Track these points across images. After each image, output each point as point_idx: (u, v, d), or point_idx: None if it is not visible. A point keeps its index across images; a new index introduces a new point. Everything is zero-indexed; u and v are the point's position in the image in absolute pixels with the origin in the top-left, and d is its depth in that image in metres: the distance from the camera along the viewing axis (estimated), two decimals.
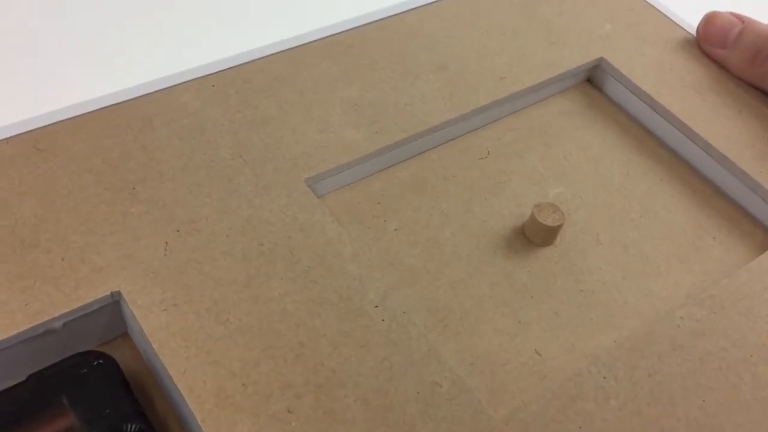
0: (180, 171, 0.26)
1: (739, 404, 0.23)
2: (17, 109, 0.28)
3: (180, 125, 0.28)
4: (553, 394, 0.22)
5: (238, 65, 0.30)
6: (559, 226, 0.27)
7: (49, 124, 0.27)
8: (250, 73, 0.30)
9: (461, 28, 0.34)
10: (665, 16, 0.36)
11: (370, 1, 0.34)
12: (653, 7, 0.37)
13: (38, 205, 0.25)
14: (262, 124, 0.28)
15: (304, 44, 0.32)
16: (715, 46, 0.34)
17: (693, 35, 0.35)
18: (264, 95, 0.30)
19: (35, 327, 0.22)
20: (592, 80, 0.35)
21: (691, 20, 0.36)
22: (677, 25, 0.36)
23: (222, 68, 0.30)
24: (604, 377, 0.23)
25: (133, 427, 0.21)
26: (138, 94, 0.29)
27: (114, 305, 0.23)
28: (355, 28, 0.33)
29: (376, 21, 0.33)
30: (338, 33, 0.33)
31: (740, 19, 0.34)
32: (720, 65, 0.34)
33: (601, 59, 0.34)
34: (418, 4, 0.35)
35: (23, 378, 0.21)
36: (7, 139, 0.26)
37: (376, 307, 0.24)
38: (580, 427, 0.22)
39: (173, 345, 0.22)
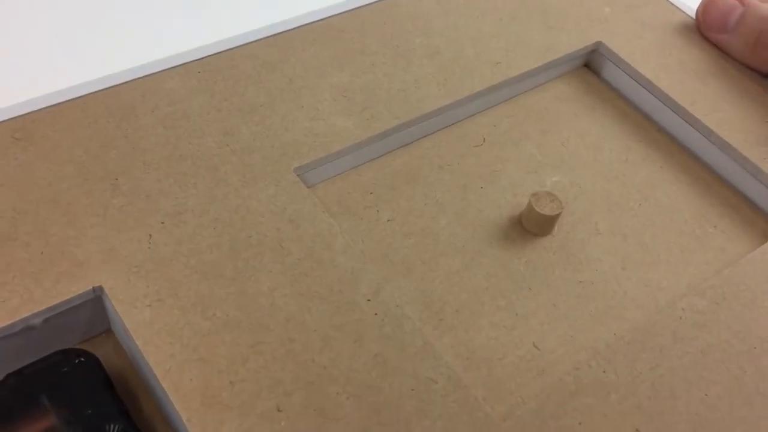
0: (164, 160, 0.25)
1: (741, 397, 0.22)
2: None
3: (164, 113, 0.27)
4: (552, 389, 0.22)
5: (225, 51, 0.29)
6: (557, 215, 0.26)
7: (28, 113, 0.26)
8: (237, 59, 0.29)
9: (456, 11, 0.33)
10: None
11: None
12: None
13: (16, 197, 0.24)
14: (250, 111, 0.28)
15: (293, 29, 0.31)
16: (715, 31, 0.33)
17: (693, 18, 0.35)
18: (252, 82, 0.29)
19: (14, 324, 0.21)
20: (590, 65, 0.34)
21: (690, 3, 0.35)
22: (677, 7, 0.35)
23: (208, 54, 0.29)
24: (604, 371, 0.22)
25: (116, 427, 0.20)
26: (120, 81, 0.28)
27: (96, 301, 0.22)
28: (346, 11, 0.32)
29: (368, 4, 0.32)
30: (328, 17, 0.32)
31: (741, 1, 0.33)
32: (721, 50, 0.33)
33: (599, 43, 0.33)
34: None
35: (1, 377, 0.20)
36: None
37: (369, 300, 0.23)
38: (580, 423, 0.21)
39: (157, 341, 0.21)
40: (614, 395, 0.22)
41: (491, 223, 0.27)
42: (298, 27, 0.31)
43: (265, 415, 0.20)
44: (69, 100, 0.27)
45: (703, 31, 0.33)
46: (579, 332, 0.24)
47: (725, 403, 0.22)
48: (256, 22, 0.31)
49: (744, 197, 0.29)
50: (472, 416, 0.21)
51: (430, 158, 0.29)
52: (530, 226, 0.27)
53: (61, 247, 0.23)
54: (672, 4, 0.35)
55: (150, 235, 0.23)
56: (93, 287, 0.22)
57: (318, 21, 0.31)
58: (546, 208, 0.26)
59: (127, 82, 0.28)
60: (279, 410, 0.20)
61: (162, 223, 0.24)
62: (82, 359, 0.21)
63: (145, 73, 0.28)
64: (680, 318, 0.24)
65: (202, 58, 0.29)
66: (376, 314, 0.22)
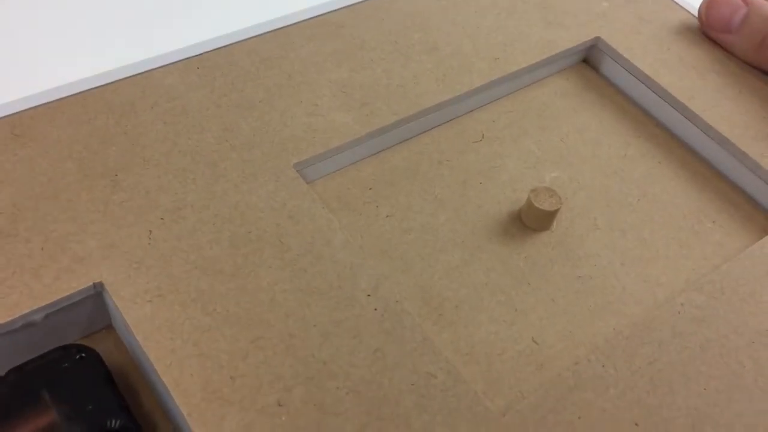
0: (164, 157, 0.25)
1: (740, 392, 0.22)
2: None
3: (164, 109, 0.27)
4: (551, 384, 0.22)
5: (224, 47, 0.29)
6: (556, 211, 0.26)
7: (27, 109, 0.26)
8: (236, 55, 0.29)
9: (454, 7, 0.33)
10: None
11: None
12: None
13: (16, 193, 0.24)
14: (249, 107, 0.28)
15: (291, 24, 0.31)
16: (718, 31, 0.32)
17: (692, 13, 0.35)
18: (251, 78, 0.29)
19: (14, 320, 0.21)
20: (589, 60, 0.34)
21: None
22: (675, 3, 0.35)
23: (207, 50, 0.29)
24: (603, 366, 0.22)
25: (117, 422, 0.20)
26: (119, 77, 0.28)
27: (96, 296, 0.22)
28: (344, 7, 0.32)
29: (366, 0, 0.32)
30: (327, 12, 0.32)
31: (744, 1, 0.32)
32: (725, 50, 0.33)
33: (598, 39, 0.33)
34: None
35: (2, 373, 0.21)
36: None
37: (369, 295, 0.23)
38: (579, 418, 0.21)
39: (158, 337, 0.21)
40: (613, 390, 0.22)
41: (490, 219, 0.27)
42: (297, 23, 0.31)
43: (265, 409, 0.20)
44: (68, 97, 0.27)
45: (706, 30, 0.33)
46: (578, 327, 0.24)
47: (724, 398, 0.22)
48: (255, 17, 0.31)
49: (743, 192, 0.30)
50: (472, 411, 0.21)
51: (429, 154, 0.29)
52: (529, 221, 0.27)
53: (62, 243, 0.23)
54: None
55: (150, 231, 0.23)
56: (93, 283, 0.22)
57: (317, 17, 0.31)
58: (545, 204, 0.26)
59: (126, 78, 0.28)
60: (279, 405, 0.20)
61: (162, 219, 0.24)
62: (83, 355, 0.21)
63: (145, 69, 0.28)
64: (679, 313, 0.24)
65: (201, 54, 0.29)
66: (375, 310, 0.23)
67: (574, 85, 0.33)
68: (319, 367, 0.21)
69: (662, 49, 0.33)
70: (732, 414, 0.22)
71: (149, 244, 0.23)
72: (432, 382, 0.21)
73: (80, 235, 0.23)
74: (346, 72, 0.29)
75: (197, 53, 0.29)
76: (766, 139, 0.29)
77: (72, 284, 0.22)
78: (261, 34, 0.30)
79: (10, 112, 0.26)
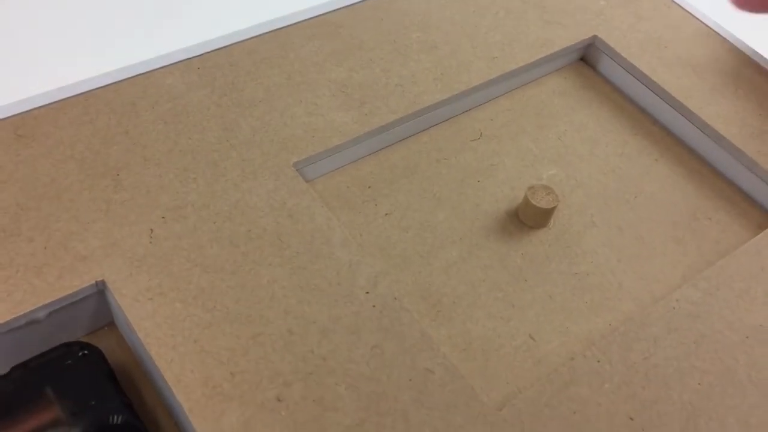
0: (165, 156, 0.26)
1: (734, 386, 0.23)
2: None
3: (164, 109, 0.27)
4: (548, 379, 0.22)
5: (224, 47, 0.30)
6: (553, 209, 0.27)
7: (30, 110, 0.26)
8: (236, 55, 0.30)
9: (452, 6, 0.33)
10: None
11: None
12: None
13: (19, 192, 0.24)
14: (249, 107, 0.28)
15: (291, 25, 0.31)
16: (758, 6, 0.25)
17: (690, 12, 0.35)
18: (251, 78, 0.29)
19: (18, 318, 0.21)
20: (587, 59, 0.34)
21: None
22: (673, 1, 0.35)
23: (207, 50, 0.30)
24: (599, 361, 0.23)
25: (119, 418, 0.20)
26: (121, 78, 0.28)
27: (99, 294, 0.23)
28: (344, 7, 0.32)
29: (365, 0, 0.33)
30: (327, 13, 0.32)
31: None
32: None
33: (595, 37, 0.33)
34: None
35: (6, 370, 0.21)
36: None
37: (367, 293, 0.23)
38: (574, 412, 0.21)
39: (159, 334, 0.21)
40: (608, 385, 0.22)
41: (488, 217, 0.27)
42: (297, 23, 0.31)
43: (265, 405, 0.20)
44: (70, 97, 0.27)
45: (740, 7, 0.26)
46: (574, 323, 0.25)
47: (718, 392, 0.22)
48: (255, 18, 0.31)
49: (738, 189, 0.30)
50: (469, 405, 0.21)
51: (427, 152, 0.29)
52: (527, 219, 0.27)
53: (64, 242, 0.23)
54: None
55: (151, 230, 0.24)
56: (96, 281, 0.22)
57: (316, 17, 0.32)
58: (542, 201, 0.26)
59: (127, 78, 0.28)
60: (279, 400, 0.21)
61: (163, 217, 0.24)
62: (86, 352, 0.21)
63: (145, 70, 0.28)
64: (674, 309, 0.24)
65: (202, 54, 0.29)
66: (374, 306, 0.23)
67: (572, 84, 0.33)
68: (318, 363, 0.21)
69: (659, 47, 0.33)
70: (726, 408, 0.22)
71: (150, 242, 0.23)
72: (429, 377, 0.22)
73: (82, 234, 0.23)
74: (346, 71, 0.30)
75: (198, 53, 0.29)
76: (762, 136, 0.30)
77: (74, 282, 0.22)
78: (261, 35, 0.30)
79: (13, 113, 0.26)
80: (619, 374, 0.22)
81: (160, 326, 0.22)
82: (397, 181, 0.28)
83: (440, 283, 0.25)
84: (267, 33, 0.31)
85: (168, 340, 0.21)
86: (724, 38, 0.34)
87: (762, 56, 0.33)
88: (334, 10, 0.32)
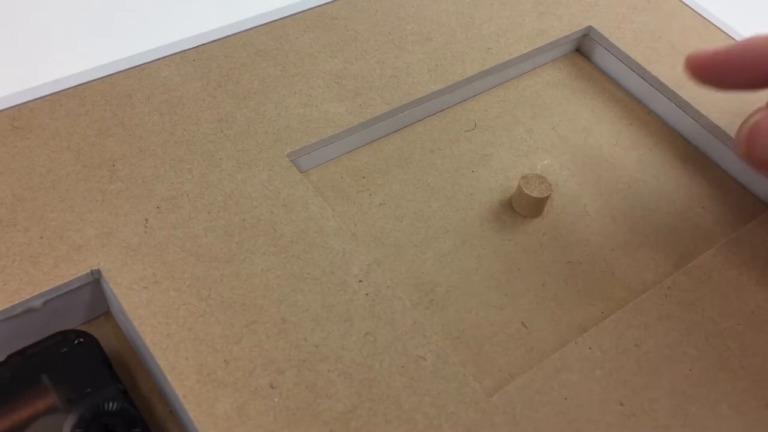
0: (160, 147, 0.26)
1: (726, 373, 0.23)
2: None
3: (160, 101, 0.27)
4: (539, 366, 0.22)
5: (219, 39, 0.30)
6: (547, 197, 0.27)
7: (26, 102, 0.27)
8: (231, 47, 0.30)
9: None
10: None
11: None
12: None
13: (16, 183, 0.24)
14: (244, 98, 0.28)
15: (286, 17, 0.31)
16: None
17: (684, 2, 0.35)
18: (246, 69, 0.29)
19: (14, 306, 0.22)
20: (581, 49, 0.34)
21: None
22: None
23: (202, 42, 0.30)
24: (590, 348, 0.23)
25: (115, 405, 0.20)
26: (116, 70, 0.28)
27: (94, 283, 0.23)
28: None
29: None
30: (321, 5, 0.32)
31: None
32: None
33: (590, 28, 0.33)
34: None
35: (3, 357, 0.21)
36: None
37: (360, 281, 0.23)
38: (565, 398, 0.22)
39: (154, 322, 0.22)
40: (599, 371, 0.22)
41: (482, 206, 0.28)
42: (292, 15, 0.31)
43: (258, 391, 0.21)
44: (66, 89, 0.27)
45: (752, 165, 0.23)
46: (567, 311, 0.25)
47: (709, 379, 0.23)
48: (250, 10, 0.31)
49: (732, 179, 0.30)
50: (460, 392, 0.21)
51: (421, 143, 0.29)
52: (520, 208, 0.27)
53: (60, 231, 0.23)
54: None
55: (146, 220, 0.24)
56: (91, 270, 0.22)
57: (311, 9, 0.32)
58: (535, 191, 0.27)
59: (123, 70, 0.28)
60: (272, 387, 0.21)
61: (158, 207, 0.24)
62: (81, 340, 0.22)
63: (141, 62, 0.29)
64: (666, 296, 0.24)
65: (197, 46, 0.30)
66: (366, 295, 0.23)
67: (567, 75, 0.33)
68: (311, 350, 0.22)
69: (654, 37, 0.33)
70: (717, 395, 0.22)
71: (145, 232, 0.24)
72: (421, 364, 0.22)
73: (78, 224, 0.23)
74: (340, 63, 0.30)
75: (193, 46, 0.29)
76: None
77: (70, 271, 0.22)
78: (256, 27, 0.31)
79: (10, 105, 0.26)
80: (610, 361, 0.23)
81: (155, 314, 0.22)
82: (392, 172, 0.28)
83: (434, 272, 0.25)
84: (262, 25, 0.31)
85: (162, 328, 0.22)
86: (719, 28, 0.34)
87: None
88: (329, 2, 0.32)
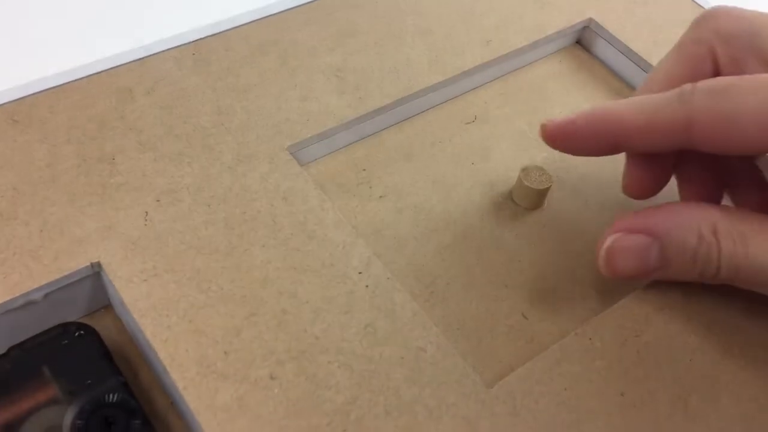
0: (160, 140, 0.26)
1: (726, 362, 0.23)
2: None
3: (160, 94, 0.27)
4: (539, 357, 0.22)
5: (219, 32, 0.30)
6: (547, 189, 0.27)
7: (26, 96, 0.27)
8: (231, 40, 0.30)
9: None
10: None
11: None
12: None
13: (16, 177, 0.24)
14: (244, 91, 0.28)
15: (286, 10, 0.31)
16: (636, 278, 0.23)
17: None
18: (246, 63, 0.29)
19: (15, 299, 0.22)
20: (582, 42, 0.34)
21: None
22: None
23: (203, 36, 0.30)
24: (590, 339, 0.23)
25: (115, 397, 0.21)
26: (116, 64, 0.28)
27: (95, 276, 0.23)
28: None
29: None
30: None
31: (649, 232, 0.22)
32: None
33: (591, 20, 0.33)
34: None
35: (4, 350, 0.21)
36: None
37: (360, 273, 0.23)
38: (565, 389, 0.22)
39: (154, 315, 0.22)
40: (599, 362, 0.22)
41: (482, 198, 0.28)
42: (292, 8, 0.31)
43: (258, 383, 0.21)
44: (66, 83, 0.27)
45: (619, 280, 0.25)
46: (567, 303, 0.25)
47: (710, 369, 0.22)
48: (250, 3, 0.31)
49: None
50: (460, 383, 0.21)
51: (422, 136, 0.29)
52: (520, 200, 0.27)
53: (60, 225, 0.23)
54: None
55: (146, 213, 0.24)
56: (91, 263, 0.23)
57: (310, 2, 0.32)
58: (535, 182, 0.27)
59: (123, 64, 0.28)
60: (272, 378, 0.21)
61: (158, 200, 0.24)
62: (82, 332, 0.22)
63: (141, 56, 0.29)
64: (666, 287, 0.24)
65: (197, 40, 0.30)
66: (367, 286, 0.23)
67: (567, 67, 0.33)
68: (311, 341, 0.22)
69: (655, 29, 0.33)
70: (717, 385, 0.22)
71: (145, 225, 0.24)
72: (421, 355, 0.22)
73: (78, 218, 0.24)
74: (340, 56, 0.30)
75: (193, 39, 0.29)
76: None
77: (70, 264, 0.22)
78: (256, 20, 0.31)
79: (10, 99, 0.26)
80: (610, 352, 0.23)
81: (155, 307, 0.22)
82: (392, 165, 0.28)
83: (434, 264, 0.25)
84: (262, 18, 0.31)
85: (163, 320, 0.22)
86: None
87: None
88: None
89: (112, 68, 0.28)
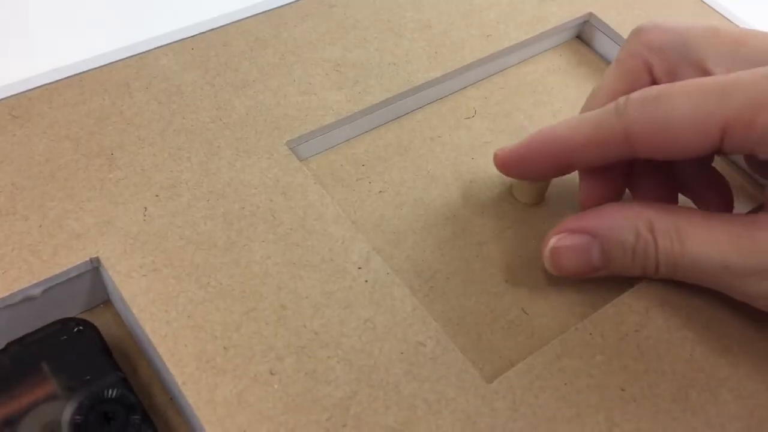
0: (159, 135, 0.26)
1: (727, 358, 0.23)
2: None
3: (158, 89, 0.27)
4: (539, 352, 0.22)
5: (218, 27, 0.30)
6: (547, 184, 0.27)
7: (25, 91, 0.27)
8: (229, 35, 0.30)
9: None
10: None
11: None
12: None
13: (15, 172, 0.24)
14: (243, 86, 0.28)
15: (284, 5, 0.31)
16: (582, 274, 0.24)
17: None
18: (244, 58, 0.29)
19: (14, 294, 0.22)
20: (582, 36, 0.34)
21: None
22: None
23: (201, 31, 0.30)
24: (590, 333, 0.23)
25: (114, 392, 0.20)
26: (115, 59, 0.28)
27: (94, 272, 0.23)
28: None
29: None
30: None
31: (587, 231, 0.23)
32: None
33: (591, 14, 0.33)
34: None
35: (3, 345, 0.21)
36: None
37: (360, 268, 0.23)
38: (565, 384, 0.22)
39: (153, 310, 0.22)
40: (600, 356, 0.22)
41: (482, 193, 0.28)
42: (291, 3, 0.31)
43: (258, 378, 0.21)
44: (65, 78, 0.27)
45: (566, 277, 0.25)
46: (567, 297, 0.25)
47: (709, 364, 0.22)
48: None
49: (732, 164, 0.30)
50: (460, 378, 0.21)
51: (421, 130, 0.29)
52: (520, 195, 0.27)
53: (59, 220, 0.23)
54: None
55: (145, 208, 0.24)
56: (90, 258, 0.22)
57: None
58: None
59: (121, 59, 0.28)
60: (272, 374, 0.21)
61: (157, 195, 0.24)
62: (81, 328, 0.22)
63: (139, 51, 0.28)
64: (667, 282, 0.24)
65: (195, 35, 0.29)
66: (366, 281, 0.23)
67: (567, 61, 0.33)
68: (310, 337, 0.22)
69: None
70: (718, 380, 0.22)
71: (144, 220, 0.24)
72: (421, 350, 0.22)
73: (77, 213, 0.23)
74: (339, 51, 0.30)
75: (191, 34, 0.29)
76: None
77: (69, 259, 0.22)
78: (254, 15, 0.31)
79: (9, 94, 0.26)
80: (610, 346, 0.22)
81: (154, 302, 0.22)
82: (391, 159, 0.28)
83: (434, 259, 0.25)
84: (261, 13, 0.31)
85: (162, 315, 0.22)
86: (720, 14, 0.34)
87: None
88: None
89: (110, 63, 0.28)
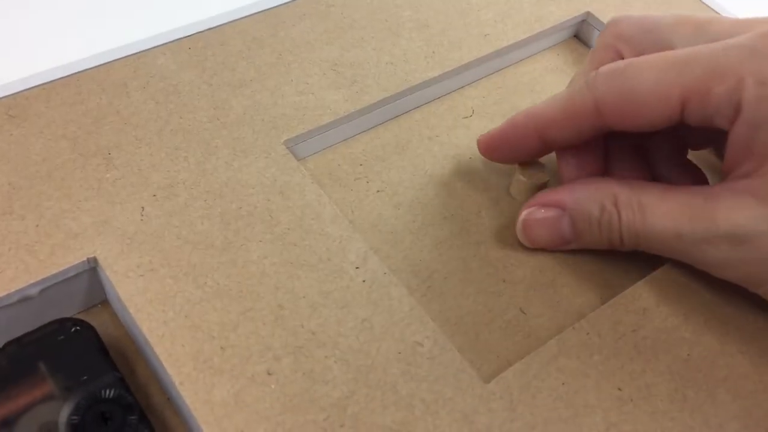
0: (156, 135, 0.26)
1: (724, 358, 0.23)
2: None
3: (155, 89, 0.27)
4: (537, 352, 0.22)
5: (215, 27, 0.30)
6: (545, 184, 0.27)
7: (22, 91, 0.26)
8: (226, 35, 0.30)
9: None
10: None
11: None
12: None
13: (11, 172, 0.24)
14: (240, 86, 0.28)
15: (282, 4, 0.31)
16: (556, 246, 0.25)
17: None
18: (241, 57, 0.29)
19: (10, 294, 0.22)
20: (580, 35, 0.34)
21: None
22: None
23: (198, 30, 0.30)
24: (588, 333, 0.23)
25: (112, 392, 0.20)
26: (112, 58, 0.28)
27: (91, 272, 0.23)
28: None
29: None
30: None
31: (557, 204, 0.25)
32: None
33: (588, 13, 0.33)
34: None
35: (0, 345, 0.21)
36: None
37: (357, 268, 0.23)
38: (563, 383, 0.22)
39: (150, 310, 0.22)
40: (597, 356, 0.22)
41: (480, 193, 0.28)
42: (288, 2, 0.31)
43: (255, 378, 0.21)
44: (62, 78, 0.27)
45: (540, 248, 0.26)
46: (565, 297, 0.25)
47: (706, 364, 0.22)
48: None
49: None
50: (458, 378, 0.21)
51: (419, 130, 0.29)
52: (518, 194, 0.27)
53: (56, 220, 0.23)
54: None
55: (142, 208, 0.24)
56: (87, 258, 0.22)
57: None
58: (532, 177, 0.26)
59: (118, 59, 0.28)
60: (269, 374, 0.21)
61: (154, 195, 0.24)
62: (78, 328, 0.22)
63: (137, 50, 0.28)
64: (664, 282, 0.24)
65: (193, 34, 0.29)
66: (363, 281, 0.23)
67: (564, 61, 0.33)
68: (307, 336, 0.22)
69: None
70: (715, 380, 0.22)
71: (142, 220, 0.24)
72: (419, 350, 0.22)
73: (74, 212, 0.23)
74: (337, 50, 0.30)
75: (188, 34, 0.29)
76: None
77: (66, 259, 0.22)
78: (251, 14, 0.30)
79: (6, 94, 0.26)
80: (608, 346, 0.22)
81: (152, 302, 0.22)
82: (389, 159, 0.28)
83: (431, 259, 0.25)
84: (258, 13, 0.31)
85: (159, 315, 0.22)
86: (718, 13, 0.34)
87: None
88: None
89: (107, 62, 0.28)
